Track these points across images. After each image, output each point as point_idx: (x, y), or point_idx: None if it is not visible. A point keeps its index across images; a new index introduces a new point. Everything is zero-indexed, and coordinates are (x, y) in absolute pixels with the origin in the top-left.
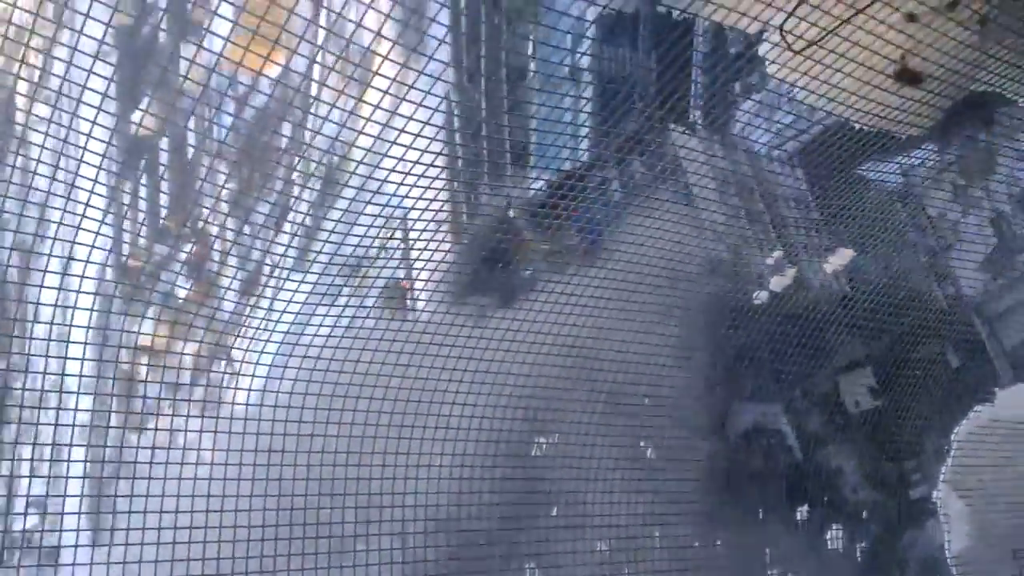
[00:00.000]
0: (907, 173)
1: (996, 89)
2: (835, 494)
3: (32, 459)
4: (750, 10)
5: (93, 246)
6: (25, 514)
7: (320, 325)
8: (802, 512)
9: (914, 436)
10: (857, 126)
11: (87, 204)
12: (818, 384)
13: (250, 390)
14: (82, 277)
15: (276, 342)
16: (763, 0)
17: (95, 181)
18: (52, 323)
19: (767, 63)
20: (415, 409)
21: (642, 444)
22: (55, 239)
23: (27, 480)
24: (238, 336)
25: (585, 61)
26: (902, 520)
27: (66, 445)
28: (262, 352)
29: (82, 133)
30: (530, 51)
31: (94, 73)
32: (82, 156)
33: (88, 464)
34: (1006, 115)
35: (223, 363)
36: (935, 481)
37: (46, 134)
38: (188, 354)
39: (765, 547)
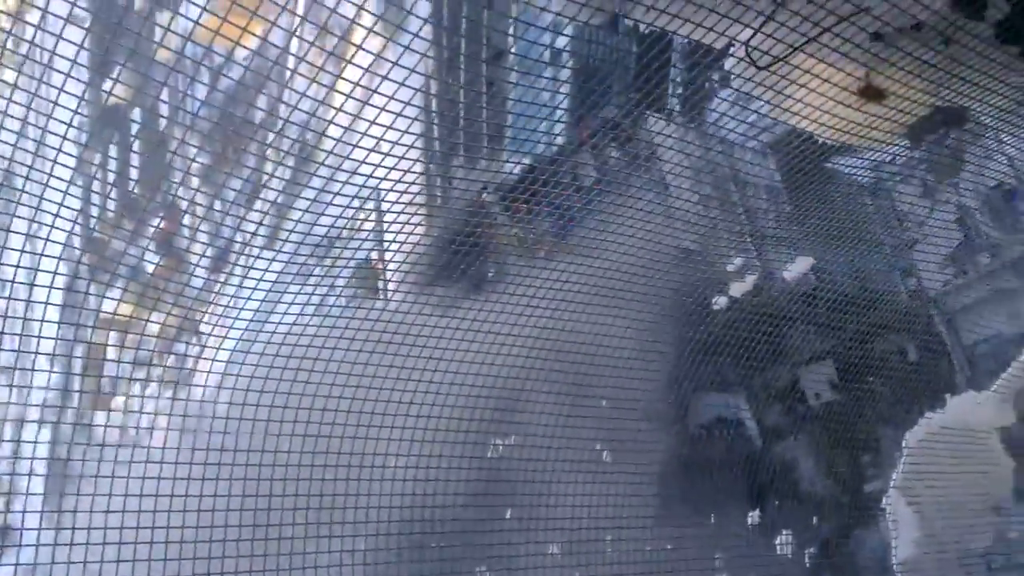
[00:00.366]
0: (877, 168)
1: (961, 105)
2: (792, 487)
3: None
4: (716, 26)
5: (57, 215)
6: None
7: (290, 303)
8: (753, 517)
9: (871, 430)
10: (821, 140)
11: (50, 174)
12: (780, 376)
13: (209, 377)
14: (47, 240)
15: (244, 319)
16: (730, 16)
17: (59, 150)
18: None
19: (733, 78)
20: (373, 408)
21: (598, 447)
22: (18, 203)
23: None
24: (207, 312)
25: (564, 47)
26: (854, 515)
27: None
28: (231, 327)
29: (51, 101)
30: (510, 35)
31: (64, 39)
32: (46, 124)
33: (51, 431)
34: (973, 117)
35: (191, 339)
36: (888, 478)
37: (9, 99)
38: (155, 323)
39: (716, 551)
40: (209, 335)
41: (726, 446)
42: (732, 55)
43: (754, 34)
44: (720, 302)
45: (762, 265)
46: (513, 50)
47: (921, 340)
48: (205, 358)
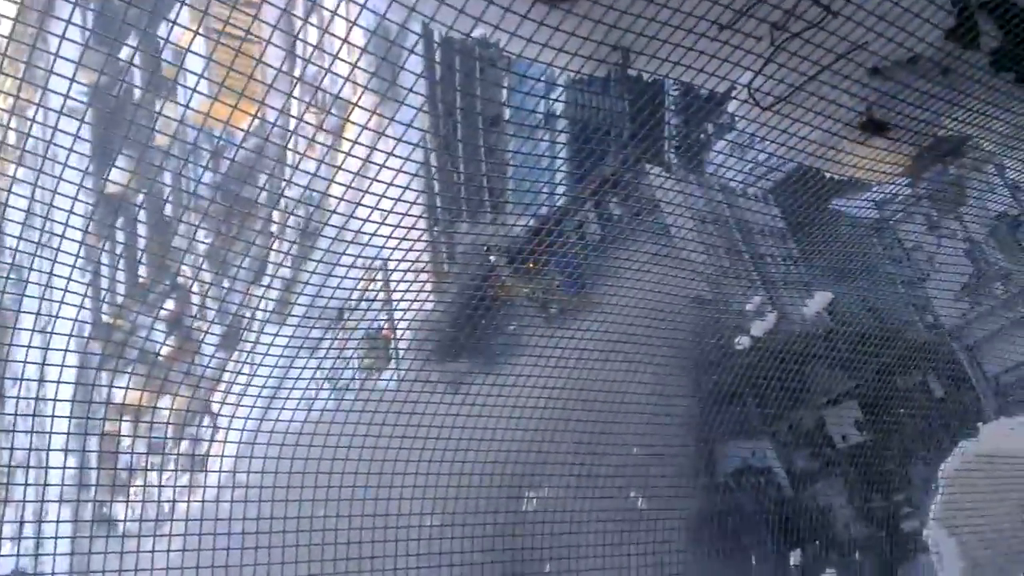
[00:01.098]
0: (880, 206)
1: (962, 134)
2: (827, 531)
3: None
4: (718, 70)
5: (63, 302)
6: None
7: (298, 378)
8: (795, 556)
9: (902, 468)
10: (828, 174)
11: (54, 260)
12: (804, 420)
13: (222, 459)
14: (51, 333)
15: (254, 395)
16: (730, 61)
17: (62, 237)
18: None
19: (737, 119)
20: (392, 468)
21: (632, 495)
22: (23, 296)
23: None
24: (216, 390)
25: (558, 107)
26: (895, 555)
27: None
28: (238, 405)
29: (59, 194)
30: (503, 98)
31: (62, 131)
32: (48, 213)
33: (71, 525)
34: (972, 148)
35: (204, 420)
36: (925, 514)
37: (8, 192)
38: (166, 409)
39: None
40: (218, 415)
41: (756, 494)
42: (735, 98)
43: (754, 76)
44: (743, 342)
45: (777, 309)
46: (507, 113)
47: (944, 374)
48: (218, 440)
